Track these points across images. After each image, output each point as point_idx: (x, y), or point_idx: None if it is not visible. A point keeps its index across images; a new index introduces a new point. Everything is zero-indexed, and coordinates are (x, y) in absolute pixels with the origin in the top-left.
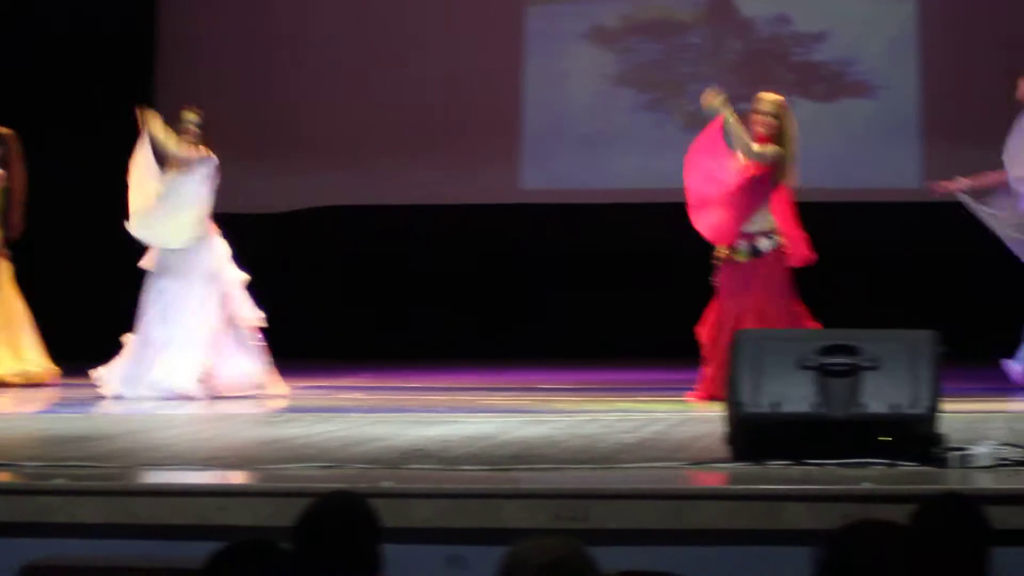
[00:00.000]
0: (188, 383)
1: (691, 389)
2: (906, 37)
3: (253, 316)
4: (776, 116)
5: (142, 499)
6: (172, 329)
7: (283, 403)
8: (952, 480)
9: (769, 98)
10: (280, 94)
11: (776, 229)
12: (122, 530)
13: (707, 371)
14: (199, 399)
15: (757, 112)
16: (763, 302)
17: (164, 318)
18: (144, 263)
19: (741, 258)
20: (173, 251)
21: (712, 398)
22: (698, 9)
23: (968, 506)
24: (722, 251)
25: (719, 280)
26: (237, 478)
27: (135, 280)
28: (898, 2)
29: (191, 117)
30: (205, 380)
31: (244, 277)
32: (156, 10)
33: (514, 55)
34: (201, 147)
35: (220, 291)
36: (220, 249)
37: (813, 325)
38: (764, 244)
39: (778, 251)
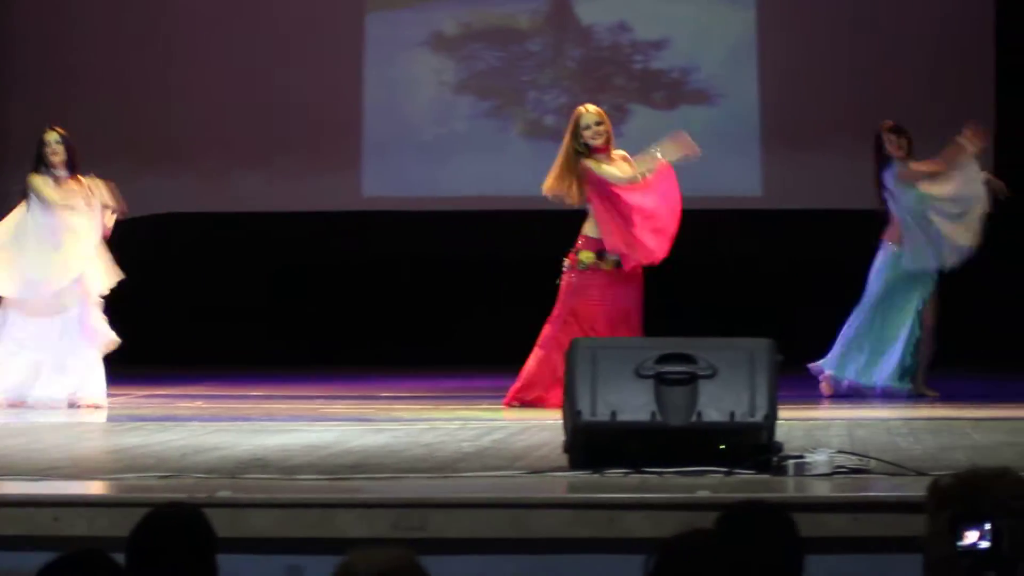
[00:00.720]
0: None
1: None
2: (746, 44)
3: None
4: (603, 122)
5: None
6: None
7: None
8: (788, 488)
9: (595, 109)
10: (123, 100)
11: None
12: None
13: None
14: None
15: (589, 127)
16: (630, 307)
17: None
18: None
19: (608, 267)
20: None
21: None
22: (537, 17)
23: (771, 513)
24: (588, 257)
25: (577, 286)
26: (73, 488)
27: None
28: (738, 10)
29: (54, 137)
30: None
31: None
32: None
33: (354, 62)
34: (75, 179)
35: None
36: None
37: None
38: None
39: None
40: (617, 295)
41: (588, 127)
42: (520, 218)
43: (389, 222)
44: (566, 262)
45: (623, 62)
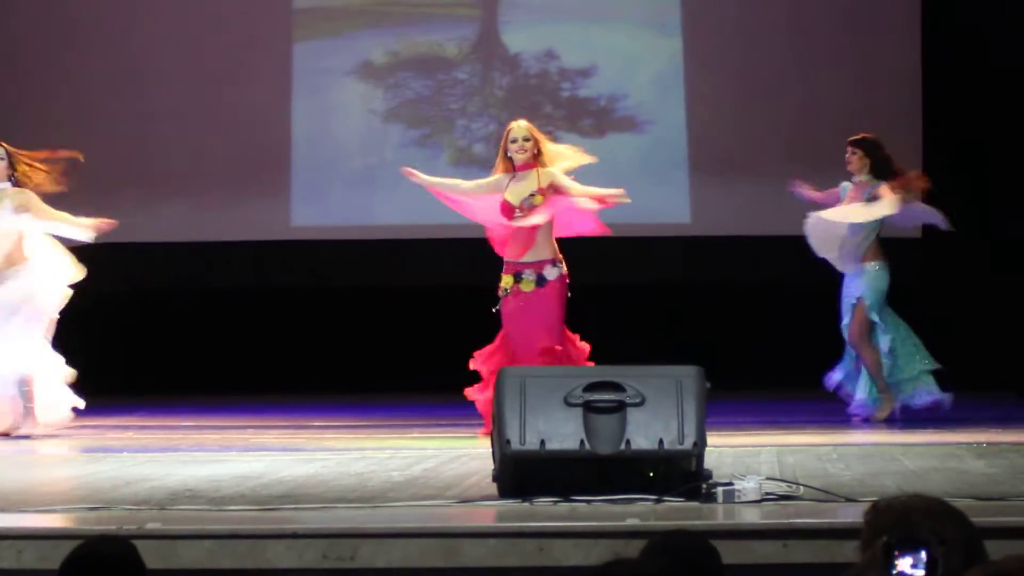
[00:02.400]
0: None
1: (472, 426)
2: (673, 72)
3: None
4: (530, 139)
5: None
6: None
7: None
8: (718, 515)
9: (523, 125)
10: (49, 130)
11: (560, 257)
12: None
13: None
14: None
15: (516, 141)
16: (550, 329)
17: None
18: None
19: (527, 288)
20: None
21: None
22: (465, 45)
23: (694, 541)
24: (507, 282)
25: (506, 311)
26: (1, 521)
27: None
28: (664, 38)
29: None
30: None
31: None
32: None
33: (282, 91)
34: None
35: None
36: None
37: (582, 352)
38: (551, 272)
39: (562, 278)
40: (536, 317)
41: (515, 141)
42: (450, 246)
43: (318, 251)
44: (498, 292)
45: (551, 90)
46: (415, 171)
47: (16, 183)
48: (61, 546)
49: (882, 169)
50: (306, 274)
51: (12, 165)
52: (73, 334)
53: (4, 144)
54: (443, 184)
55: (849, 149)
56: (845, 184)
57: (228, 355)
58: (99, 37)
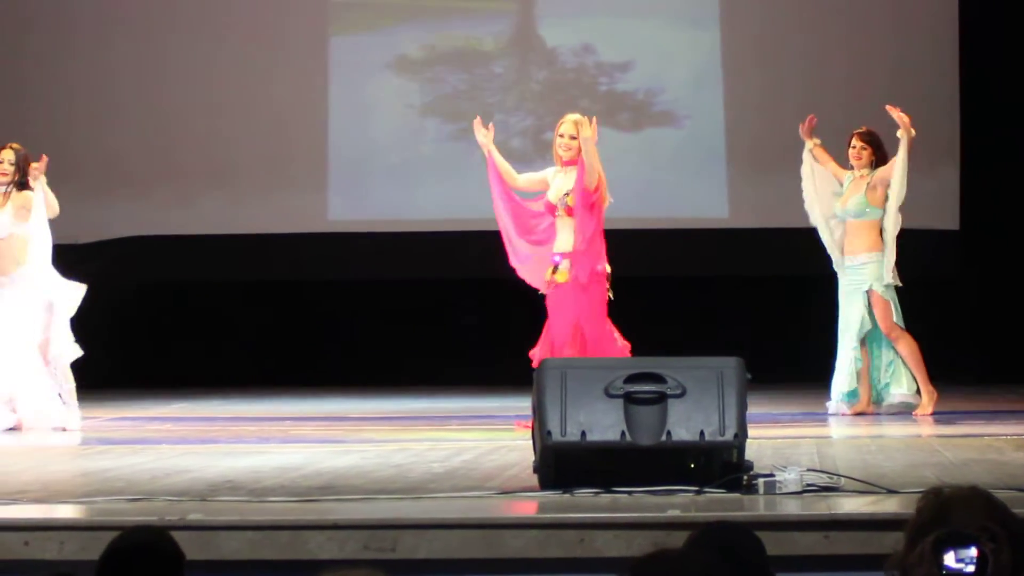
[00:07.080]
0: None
1: (512, 418)
2: (711, 67)
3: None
4: (577, 136)
5: None
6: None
7: (78, 436)
8: (759, 506)
9: (573, 119)
10: (88, 123)
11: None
12: None
13: None
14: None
15: (563, 137)
16: (584, 322)
17: None
18: None
19: (562, 279)
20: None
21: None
22: (502, 39)
23: (740, 532)
24: (547, 273)
25: (546, 301)
26: (43, 512)
27: None
28: (701, 32)
29: (8, 155)
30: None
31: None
32: None
33: (319, 85)
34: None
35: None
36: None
37: (622, 346)
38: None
39: (599, 272)
40: (571, 310)
41: (562, 136)
42: (488, 240)
43: (355, 244)
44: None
45: (588, 84)
46: (483, 128)
47: (23, 187)
48: (102, 537)
49: (880, 162)
50: (343, 267)
51: (22, 169)
52: (110, 327)
53: (16, 147)
54: (502, 165)
55: (860, 143)
56: (848, 174)
57: (265, 348)
58: (136, 30)
